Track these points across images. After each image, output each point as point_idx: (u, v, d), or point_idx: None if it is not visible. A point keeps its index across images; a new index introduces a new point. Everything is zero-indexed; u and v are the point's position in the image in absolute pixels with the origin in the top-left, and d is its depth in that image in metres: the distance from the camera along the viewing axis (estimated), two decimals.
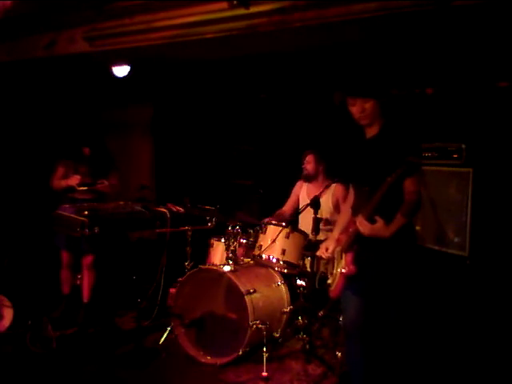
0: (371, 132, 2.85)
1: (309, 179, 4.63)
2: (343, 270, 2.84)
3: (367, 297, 2.81)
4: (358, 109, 2.79)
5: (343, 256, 2.86)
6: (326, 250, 2.99)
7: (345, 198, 4.44)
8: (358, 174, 2.91)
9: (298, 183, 4.80)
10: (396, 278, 2.73)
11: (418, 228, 4.30)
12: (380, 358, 2.83)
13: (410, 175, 2.65)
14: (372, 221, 2.67)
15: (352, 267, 2.79)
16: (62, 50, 4.70)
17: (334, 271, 2.94)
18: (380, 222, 2.66)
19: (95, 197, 4.52)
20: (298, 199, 4.76)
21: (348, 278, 2.84)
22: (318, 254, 3.07)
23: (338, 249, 2.93)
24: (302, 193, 4.72)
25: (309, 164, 4.61)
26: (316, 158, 4.61)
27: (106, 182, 4.52)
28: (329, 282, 3.00)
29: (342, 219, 3.07)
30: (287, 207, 4.79)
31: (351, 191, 3.08)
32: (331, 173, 4.57)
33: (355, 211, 2.84)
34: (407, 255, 2.77)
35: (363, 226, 2.69)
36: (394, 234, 2.66)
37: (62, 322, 4.41)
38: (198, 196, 4.74)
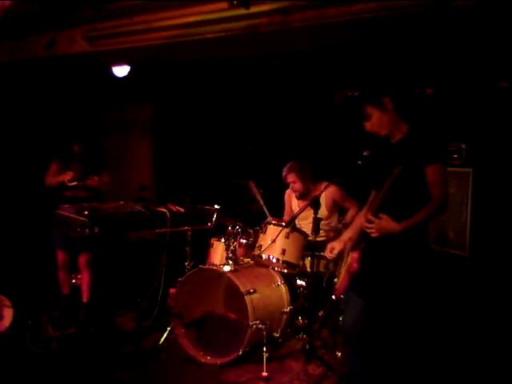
0: (395, 137, 2.79)
1: (302, 197, 4.47)
2: (348, 268, 2.81)
3: (369, 299, 2.75)
4: (371, 123, 2.76)
5: (350, 254, 2.84)
6: (332, 250, 2.95)
7: (342, 198, 4.44)
8: (377, 177, 2.82)
9: (288, 192, 4.71)
10: (401, 283, 2.65)
11: None
12: (380, 358, 2.82)
13: (428, 163, 2.60)
14: (377, 218, 2.63)
15: (356, 265, 2.76)
16: (62, 50, 4.70)
17: (341, 270, 2.92)
18: (385, 218, 2.61)
19: (90, 194, 4.52)
20: (291, 206, 4.72)
21: (352, 278, 2.80)
22: (325, 254, 3.02)
23: (348, 247, 2.87)
24: (294, 202, 4.68)
25: (295, 183, 4.42)
26: (298, 173, 4.38)
27: (95, 178, 4.52)
28: (335, 280, 2.98)
29: (356, 222, 2.98)
30: (286, 217, 4.74)
31: (373, 194, 2.97)
32: (319, 174, 4.44)
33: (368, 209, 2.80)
34: (417, 260, 2.68)
35: (370, 220, 2.64)
36: (405, 230, 2.58)
37: (62, 321, 4.41)
38: (198, 196, 4.74)
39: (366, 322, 2.78)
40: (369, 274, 2.74)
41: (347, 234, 2.96)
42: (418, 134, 2.73)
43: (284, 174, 4.47)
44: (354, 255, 2.79)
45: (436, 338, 3.77)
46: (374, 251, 2.73)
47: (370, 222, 2.66)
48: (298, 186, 4.44)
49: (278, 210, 4.83)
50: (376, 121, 2.74)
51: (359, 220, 2.94)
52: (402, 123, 2.78)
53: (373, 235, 2.67)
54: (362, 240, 2.77)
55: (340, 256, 2.96)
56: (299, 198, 4.55)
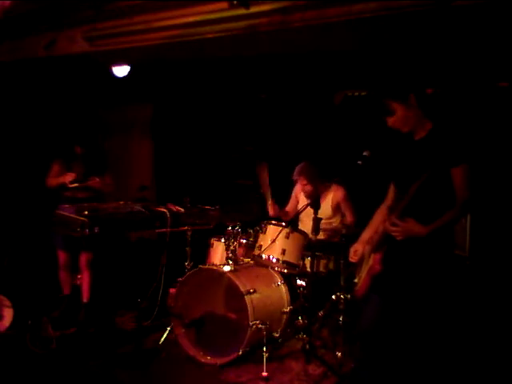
0: (419, 135, 2.77)
1: (310, 198, 4.39)
2: (369, 270, 2.79)
3: (390, 301, 2.71)
4: (394, 118, 2.73)
5: (371, 255, 2.81)
6: (355, 252, 2.92)
7: (345, 199, 4.45)
8: (400, 174, 2.81)
9: (298, 187, 4.73)
10: (424, 287, 2.62)
11: None
12: (389, 361, 2.77)
13: (454, 165, 2.58)
14: (403, 221, 2.61)
15: (378, 266, 2.73)
16: (62, 50, 4.69)
17: (362, 270, 2.89)
18: (410, 221, 2.59)
19: (91, 195, 4.52)
20: (298, 201, 4.74)
21: (373, 280, 2.77)
22: (349, 258, 2.99)
23: (369, 248, 2.86)
24: (301, 199, 4.67)
25: (306, 186, 4.45)
26: (308, 176, 4.41)
27: (97, 179, 4.52)
28: (355, 280, 2.95)
29: (376, 220, 2.96)
30: (289, 208, 4.76)
31: (392, 189, 2.95)
32: (327, 175, 4.48)
33: (392, 211, 2.76)
34: (441, 264, 2.65)
35: (395, 223, 2.61)
36: (431, 233, 2.55)
37: (62, 321, 4.41)
38: (198, 196, 4.74)
39: (383, 323, 2.74)
40: (391, 276, 2.70)
41: (366, 235, 2.94)
42: (442, 133, 2.70)
43: (295, 177, 4.51)
44: (376, 257, 2.76)
45: (436, 337, 3.77)
46: (398, 254, 2.70)
47: (394, 224, 2.64)
48: (308, 187, 4.47)
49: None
50: (400, 117, 2.72)
51: (377, 220, 2.93)
52: (426, 121, 2.75)
53: (398, 238, 2.65)
54: (385, 242, 2.74)
55: (360, 258, 2.93)
56: (308, 197, 4.55)
